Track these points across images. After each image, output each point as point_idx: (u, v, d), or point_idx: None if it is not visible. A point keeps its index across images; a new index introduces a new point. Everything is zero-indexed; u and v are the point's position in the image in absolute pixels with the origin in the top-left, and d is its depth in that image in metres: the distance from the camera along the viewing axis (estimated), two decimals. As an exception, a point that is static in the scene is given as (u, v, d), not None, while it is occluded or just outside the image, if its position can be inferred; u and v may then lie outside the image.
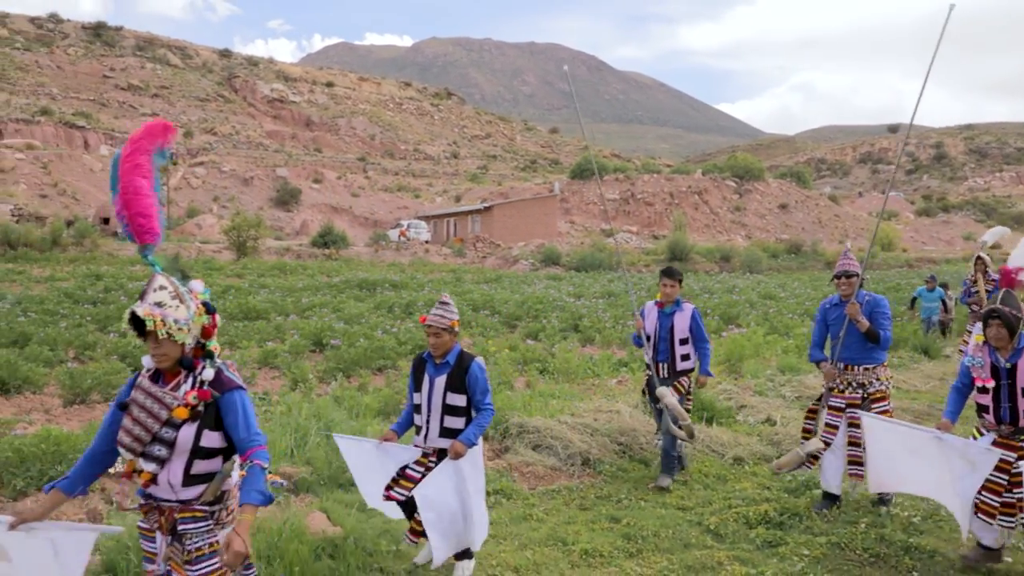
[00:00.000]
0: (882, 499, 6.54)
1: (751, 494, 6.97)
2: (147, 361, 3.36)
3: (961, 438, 5.34)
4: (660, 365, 7.32)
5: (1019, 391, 5.19)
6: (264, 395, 10.91)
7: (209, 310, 3.42)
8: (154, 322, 3.15)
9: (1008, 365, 5.21)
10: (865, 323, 6.27)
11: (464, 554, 5.23)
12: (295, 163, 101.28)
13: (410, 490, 5.07)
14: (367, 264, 44.95)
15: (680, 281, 7.39)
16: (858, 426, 6.20)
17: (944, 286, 17.82)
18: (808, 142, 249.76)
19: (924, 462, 5.39)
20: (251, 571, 3.50)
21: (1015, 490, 5.11)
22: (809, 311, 21.25)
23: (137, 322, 3.24)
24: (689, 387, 7.38)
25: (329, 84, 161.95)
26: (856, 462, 6.38)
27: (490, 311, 21.72)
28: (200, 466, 3.31)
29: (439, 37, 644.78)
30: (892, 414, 6.44)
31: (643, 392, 7.72)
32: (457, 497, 5.02)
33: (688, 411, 7.33)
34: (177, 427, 3.26)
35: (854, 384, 6.45)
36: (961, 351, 13.54)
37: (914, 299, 18.09)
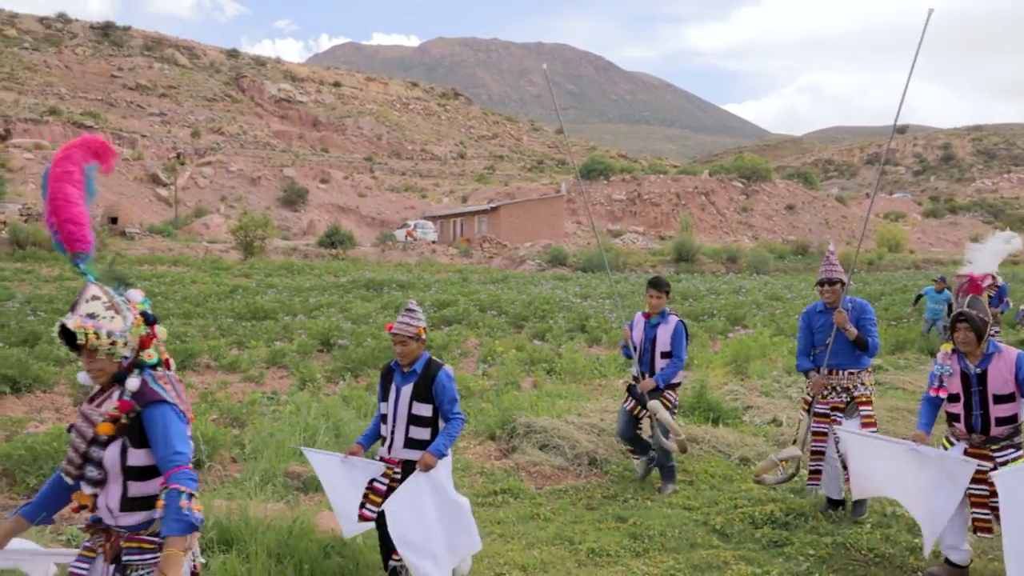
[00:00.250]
0: (857, 510, 6.37)
1: (757, 494, 7.00)
2: (83, 378, 3.13)
3: (936, 449, 5.23)
4: (644, 376, 7.14)
5: (990, 398, 5.06)
6: (273, 394, 10.99)
7: (148, 320, 3.19)
8: (86, 335, 2.95)
9: (978, 371, 5.09)
10: (854, 331, 6.18)
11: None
12: (302, 163, 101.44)
13: (380, 505, 4.90)
14: (374, 264, 45.05)
15: (667, 292, 7.20)
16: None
17: (952, 289, 17.73)
18: (815, 143, 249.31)
19: (901, 471, 5.28)
20: None
21: (991, 499, 4.99)
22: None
23: (69, 335, 3.02)
24: (675, 400, 7.21)
25: (336, 84, 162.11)
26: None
27: (497, 311, 21.77)
28: (136, 488, 3.05)
29: (446, 37, 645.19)
30: (875, 419, 6.35)
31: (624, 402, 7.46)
32: (430, 510, 4.80)
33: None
34: (104, 445, 3.01)
35: (839, 389, 6.36)
36: None
37: (919, 296, 17.93)
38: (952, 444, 5.27)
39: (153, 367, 3.16)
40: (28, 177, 67.03)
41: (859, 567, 5.48)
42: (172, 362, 3.31)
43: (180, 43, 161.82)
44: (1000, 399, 5.06)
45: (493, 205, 65.19)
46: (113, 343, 3.01)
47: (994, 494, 4.93)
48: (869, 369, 6.46)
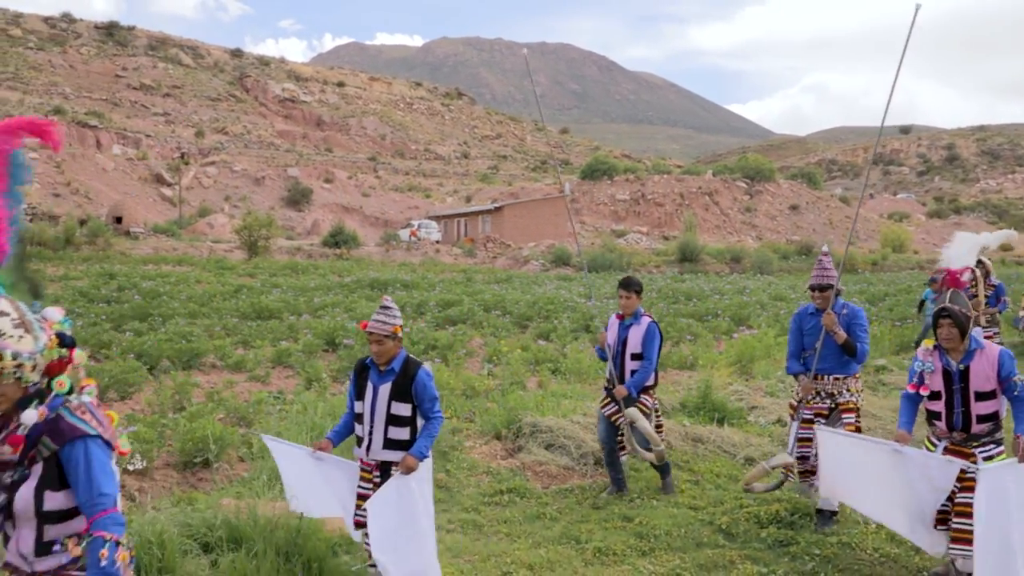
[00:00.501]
0: (823, 519, 6.24)
1: (762, 494, 7.02)
2: None
3: (919, 450, 5.13)
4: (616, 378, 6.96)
5: (972, 395, 4.97)
6: (279, 394, 11.04)
7: (65, 343, 2.77)
8: None
9: (961, 368, 5.00)
10: (842, 335, 6.06)
11: None
12: (306, 163, 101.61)
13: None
14: (378, 264, 45.09)
15: (638, 292, 7.04)
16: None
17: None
18: (819, 143, 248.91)
19: (877, 479, 5.16)
20: None
21: (965, 493, 4.87)
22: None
23: None
24: (652, 404, 7.04)
25: (340, 84, 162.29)
26: None
27: (501, 311, 21.79)
28: (54, 531, 2.70)
29: (450, 37, 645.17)
30: (860, 427, 6.20)
31: (601, 406, 7.25)
32: (407, 514, 4.67)
33: (659, 428, 7.08)
34: (6, 488, 2.65)
35: (823, 394, 6.25)
36: None
37: (922, 302, 17.86)
38: (935, 445, 5.17)
39: (67, 394, 2.75)
40: (33, 176, 67.15)
41: (864, 567, 5.50)
42: (94, 386, 2.85)
43: (184, 43, 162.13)
44: (982, 396, 4.98)
45: (497, 205, 65.25)
46: (19, 366, 2.61)
47: (966, 488, 4.85)
48: (857, 375, 6.35)
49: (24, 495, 2.64)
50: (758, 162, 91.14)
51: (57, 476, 2.66)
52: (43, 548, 2.70)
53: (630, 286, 7.05)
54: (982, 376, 4.96)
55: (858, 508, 5.77)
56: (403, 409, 4.79)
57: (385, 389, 4.79)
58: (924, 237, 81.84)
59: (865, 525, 6.17)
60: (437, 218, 71.64)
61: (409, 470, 4.70)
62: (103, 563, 2.56)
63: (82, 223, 46.96)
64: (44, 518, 2.67)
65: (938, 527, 5.07)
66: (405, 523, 4.65)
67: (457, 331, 17.91)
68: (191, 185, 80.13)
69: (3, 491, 2.65)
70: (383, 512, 4.65)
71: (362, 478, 4.91)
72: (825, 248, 6.57)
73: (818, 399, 6.26)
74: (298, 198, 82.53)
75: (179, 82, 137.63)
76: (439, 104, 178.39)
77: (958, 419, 5.02)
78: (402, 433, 4.79)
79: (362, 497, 4.85)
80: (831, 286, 6.17)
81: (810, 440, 6.18)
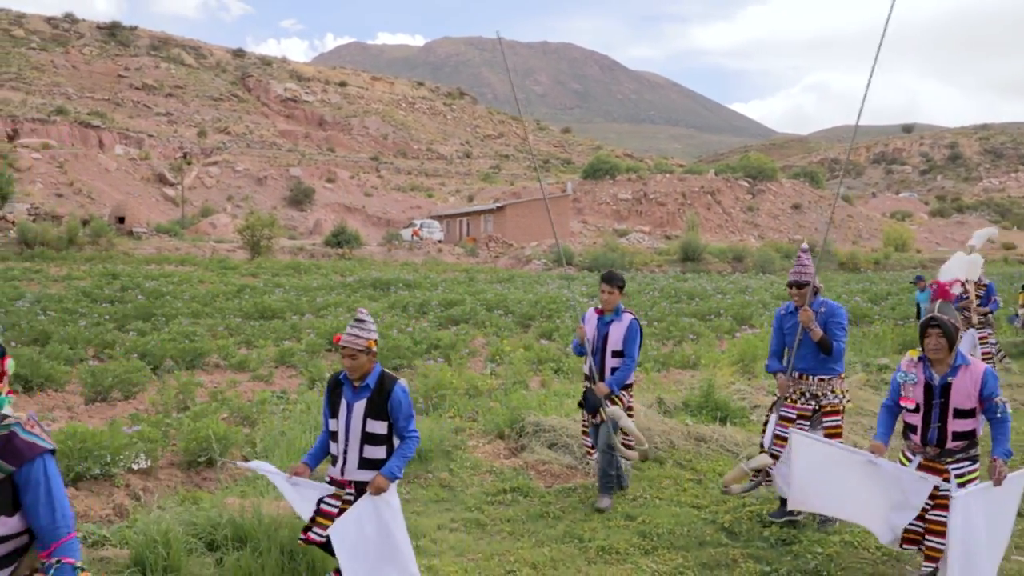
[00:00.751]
0: (789, 519, 6.21)
1: (765, 492, 7.02)
2: None
3: (894, 464, 5.04)
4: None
5: (950, 411, 4.85)
6: (282, 393, 11.07)
7: None
8: None
9: (943, 383, 4.88)
10: (818, 332, 5.99)
11: None
12: (308, 162, 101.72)
13: (327, 528, 4.50)
14: (380, 263, 45.13)
15: (620, 288, 6.80)
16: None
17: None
18: (821, 142, 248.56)
19: (852, 485, 5.07)
20: None
21: (938, 511, 4.86)
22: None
23: None
24: (628, 402, 6.87)
25: (342, 84, 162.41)
26: None
27: (504, 311, 21.82)
28: (6, 548, 2.56)
29: (451, 36, 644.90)
30: (842, 431, 6.16)
31: (579, 404, 7.07)
32: (377, 537, 4.48)
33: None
34: None
35: (807, 395, 6.18)
36: None
37: (918, 306, 17.57)
38: (909, 460, 5.08)
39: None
40: (36, 177, 67.33)
41: (867, 565, 5.51)
42: (13, 396, 2.70)
43: (186, 43, 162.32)
44: (960, 413, 4.86)
45: (499, 204, 65.25)
46: None
47: (939, 507, 4.82)
48: (842, 376, 6.28)
49: None
50: (760, 161, 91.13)
51: (10, 501, 2.46)
52: None
53: (613, 280, 6.81)
54: (964, 393, 4.85)
55: (832, 515, 5.75)
56: (379, 427, 4.56)
57: (360, 406, 4.55)
58: (927, 236, 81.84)
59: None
60: (439, 218, 71.67)
61: (379, 491, 4.49)
62: None
63: (85, 223, 46.98)
64: None
65: (904, 546, 5.04)
66: (382, 539, 4.50)
67: (460, 331, 17.93)
68: (193, 185, 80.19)
69: None
70: (348, 534, 4.44)
71: (334, 494, 4.65)
72: (804, 245, 6.48)
73: (802, 400, 6.21)
74: (300, 198, 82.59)
75: (181, 82, 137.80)
76: (441, 104, 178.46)
77: (933, 434, 4.92)
78: (378, 452, 4.57)
79: (325, 515, 4.59)
80: (808, 283, 6.10)
81: (786, 439, 6.00)
